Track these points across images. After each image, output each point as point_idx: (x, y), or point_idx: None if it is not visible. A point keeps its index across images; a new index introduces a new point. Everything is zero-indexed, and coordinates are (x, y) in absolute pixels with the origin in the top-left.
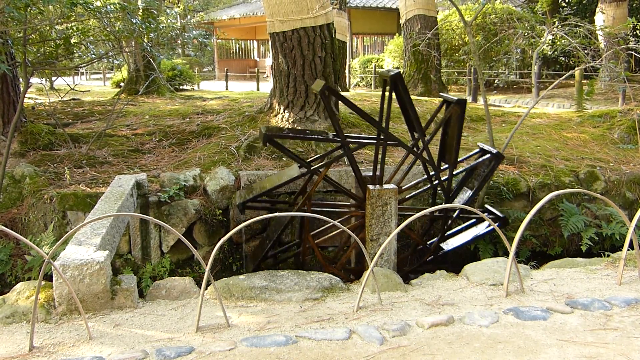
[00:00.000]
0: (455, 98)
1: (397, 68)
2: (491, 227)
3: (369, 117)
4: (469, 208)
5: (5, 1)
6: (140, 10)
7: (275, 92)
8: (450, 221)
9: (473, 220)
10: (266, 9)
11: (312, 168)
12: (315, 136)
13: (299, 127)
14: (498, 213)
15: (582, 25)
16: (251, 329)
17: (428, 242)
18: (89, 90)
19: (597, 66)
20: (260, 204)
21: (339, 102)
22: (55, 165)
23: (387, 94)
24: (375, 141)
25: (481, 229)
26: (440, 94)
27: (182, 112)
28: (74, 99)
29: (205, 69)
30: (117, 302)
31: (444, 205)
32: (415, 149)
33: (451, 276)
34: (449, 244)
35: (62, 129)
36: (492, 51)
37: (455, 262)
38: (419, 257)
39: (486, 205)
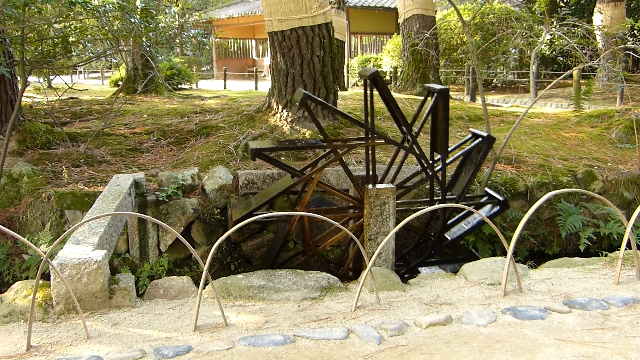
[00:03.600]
0: (438, 87)
1: (395, 67)
2: (492, 212)
3: (353, 119)
4: (466, 207)
5: (4, 0)
6: (139, 10)
7: (273, 91)
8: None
9: (473, 206)
10: (265, 8)
11: (304, 175)
12: (303, 144)
13: (297, 126)
14: (498, 196)
15: (580, 25)
16: (249, 328)
17: (431, 234)
18: (87, 89)
19: (595, 66)
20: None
21: (337, 101)
22: (53, 164)
23: (368, 92)
24: (362, 142)
25: (483, 213)
26: (425, 84)
27: (181, 111)
28: (72, 98)
29: (203, 68)
30: (115, 301)
31: (442, 205)
32: (405, 143)
33: (449, 275)
34: (453, 233)
35: (60, 128)
36: (491, 51)
37: (453, 260)
38: (423, 251)
39: (486, 189)
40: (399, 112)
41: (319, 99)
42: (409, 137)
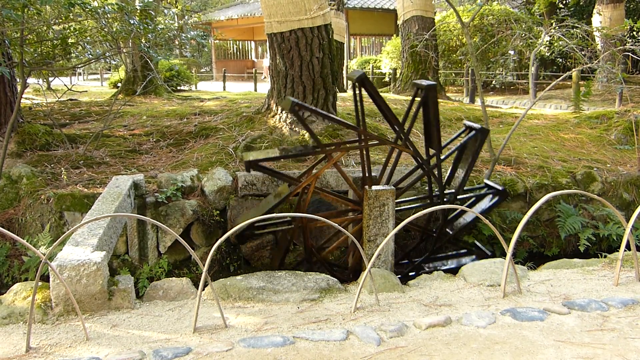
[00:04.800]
0: (426, 82)
1: (395, 69)
2: (493, 202)
3: (345, 122)
4: (466, 209)
5: (3, 2)
6: (138, 11)
7: (272, 92)
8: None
9: (473, 199)
10: (264, 9)
11: (300, 183)
12: (297, 152)
13: (296, 128)
14: (498, 186)
15: (580, 26)
16: (249, 330)
17: (433, 230)
18: (86, 91)
19: (594, 67)
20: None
21: (336, 102)
22: (52, 165)
23: (357, 93)
24: (357, 144)
25: (484, 204)
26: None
27: (180, 113)
28: (71, 100)
29: (202, 70)
30: (114, 303)
31: (441, 206)
32: (398, 143)
33: (449, 277)
34: (455, 226)
35: (59, 130)
36: (490, 52)
37: (457, 255)
38: (426, 248)
39: (485, 180)
40: (389, 111)
41: (307, 105)
42: (401, 136)
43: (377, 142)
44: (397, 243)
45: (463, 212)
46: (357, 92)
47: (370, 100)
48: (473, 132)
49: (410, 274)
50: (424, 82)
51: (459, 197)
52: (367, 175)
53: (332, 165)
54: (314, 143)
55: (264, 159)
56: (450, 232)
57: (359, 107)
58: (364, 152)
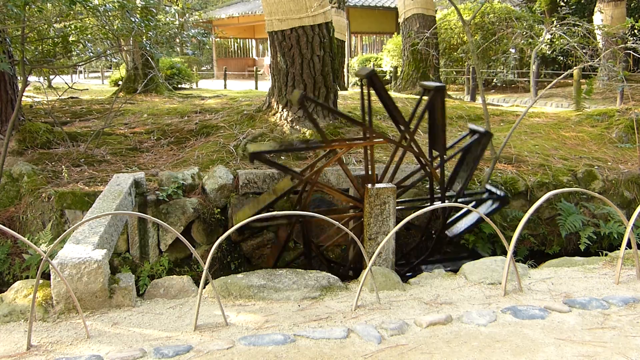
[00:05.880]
0: (434, 84)
1: (396, 67)
2: (493, 207)
3: (352, 118)
4: (465, 207)
5: (4, 0)
6: (139, 9)
7: (273, 91)
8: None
9: (474, 202)
10: (265, 7)
11: (303, 177)
12: (301, 146)
13: (297, 126)
14: (498, 192)
15: (581, 24)
16: (249, 328)
17: (432, 232)
18: (87, 89)
19: (595, 65)
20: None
21: (337, 100)
22: (53, 163)
23: (365, 92)
24: (361, 141)
25: (484, 209)
26: (421, 82)
27: (181, 111)
28: (72, 98)
29: (203, 68)
30: (115, 301)
31: (441, 205)
32: (403, 142)
33: (449, 275)
34: (454, 230)
35: (60, 128)
36: (491, 50)
37: (455, 258)
38: (425, 249)
39: (487, 186)
40: (396, 110)
41: (316, 99)
42: (406, 135)
43: (381, 140)
44: (396, 242)
45: (462, 216)
46: (365, 89)
47: (377, 98)
48: (476, 135)
49: (407, 274)
50: (432, 84)
51: (459, 200)
52: (369, 173)
53: (336, 162)
54: (318, 138)
55: (267, 151)
56: (449, 235)
57: (365, 104)
58: (368, 150)
